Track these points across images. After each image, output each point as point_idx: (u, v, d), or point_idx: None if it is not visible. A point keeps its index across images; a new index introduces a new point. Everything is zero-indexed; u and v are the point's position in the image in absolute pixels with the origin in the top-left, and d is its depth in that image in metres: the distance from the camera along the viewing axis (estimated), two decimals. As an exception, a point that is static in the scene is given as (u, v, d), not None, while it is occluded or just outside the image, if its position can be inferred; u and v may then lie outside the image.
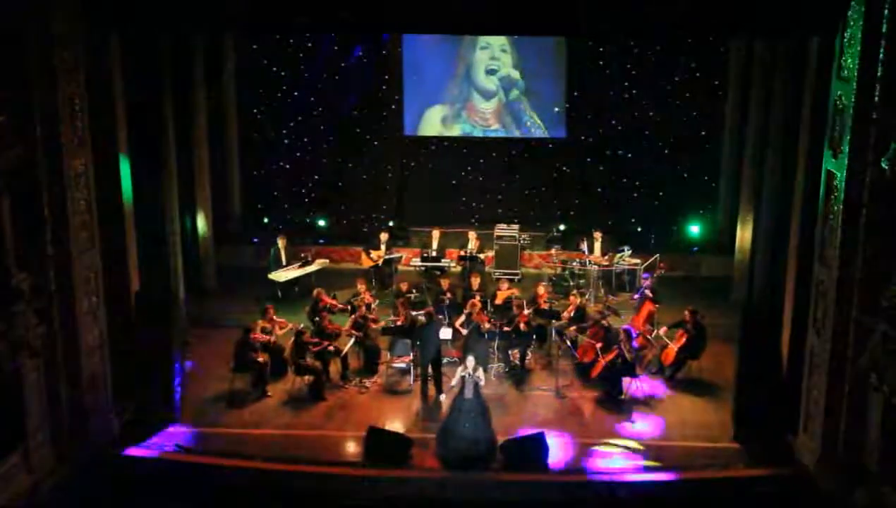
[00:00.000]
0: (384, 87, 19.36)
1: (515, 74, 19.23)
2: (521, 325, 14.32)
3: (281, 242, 17.27)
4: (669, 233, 18.96)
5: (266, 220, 19.10)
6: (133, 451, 11.99)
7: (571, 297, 15.33)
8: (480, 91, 19.37)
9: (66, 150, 10.93)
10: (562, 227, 18.87)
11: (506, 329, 14.29)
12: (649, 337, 14.66)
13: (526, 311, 14.50)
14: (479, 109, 19.47)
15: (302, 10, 11.62)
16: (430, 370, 13.68)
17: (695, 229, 18.65)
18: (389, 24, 13.87)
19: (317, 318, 14.49)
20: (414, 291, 15.74)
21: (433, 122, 19.59)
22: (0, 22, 10.24)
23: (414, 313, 14.49)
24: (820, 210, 11.13)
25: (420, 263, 17.48)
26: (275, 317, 14.45)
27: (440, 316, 14.42)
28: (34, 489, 10.85)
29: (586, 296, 16.36)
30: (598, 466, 12.01)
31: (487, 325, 14.23)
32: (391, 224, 18.97)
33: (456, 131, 19.58)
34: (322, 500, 11.47)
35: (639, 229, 19.15)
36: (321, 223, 19.30)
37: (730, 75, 17.79)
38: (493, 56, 19.14)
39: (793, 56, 11.80)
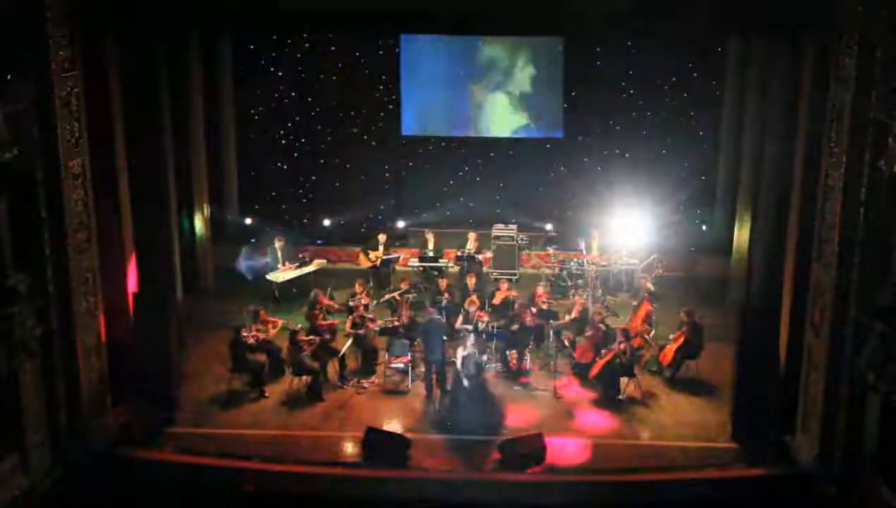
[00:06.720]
0: (381, 87, 19.36)
1: (512, 74, 19.21)
2: (528, 320, 14.31)
3: (278, 243, 17.25)
4: (667, 233, 18.96)
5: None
6: (131, 452, 11.96)
7: (576, 299, 15.30)
8: (477, 90, 19.36)
9: (63, 151, 10.90)
10: (548, 227, 18.85)
11: (513, 328, 14.25)
12: (647, 337, 14.66)
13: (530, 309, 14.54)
14: (475, 108, 19.46)
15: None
16: (433, 369, 13.66)
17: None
18: (387, 23, 13.88)
19: (312, 314, 14.46)
20: (412, 291, 15.75)
21: (430, 122, 19.58)
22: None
23: (413, 313, 14.48)
24: (818, 210, 11.14)
25: (418, 264, 17.48)
26: (268, 318, 14.43)
27: (438, 317, 14.41)
28: (32, 489, 10.82)
29: (585, 296, 16.37)
30: (597, 466, 11.99)
31: (486, 319, 14.22)
32: (401, 224, 18.96)
33: (452, 131, 19.56)
34: (320, 501, 11.46)
35: (636, 229, 19.11)
36: (326, 222, 19.24)
37: (727, 75, 17.80)
38: (491, 55, 19.15)
39: (790, 56, 11.79)
